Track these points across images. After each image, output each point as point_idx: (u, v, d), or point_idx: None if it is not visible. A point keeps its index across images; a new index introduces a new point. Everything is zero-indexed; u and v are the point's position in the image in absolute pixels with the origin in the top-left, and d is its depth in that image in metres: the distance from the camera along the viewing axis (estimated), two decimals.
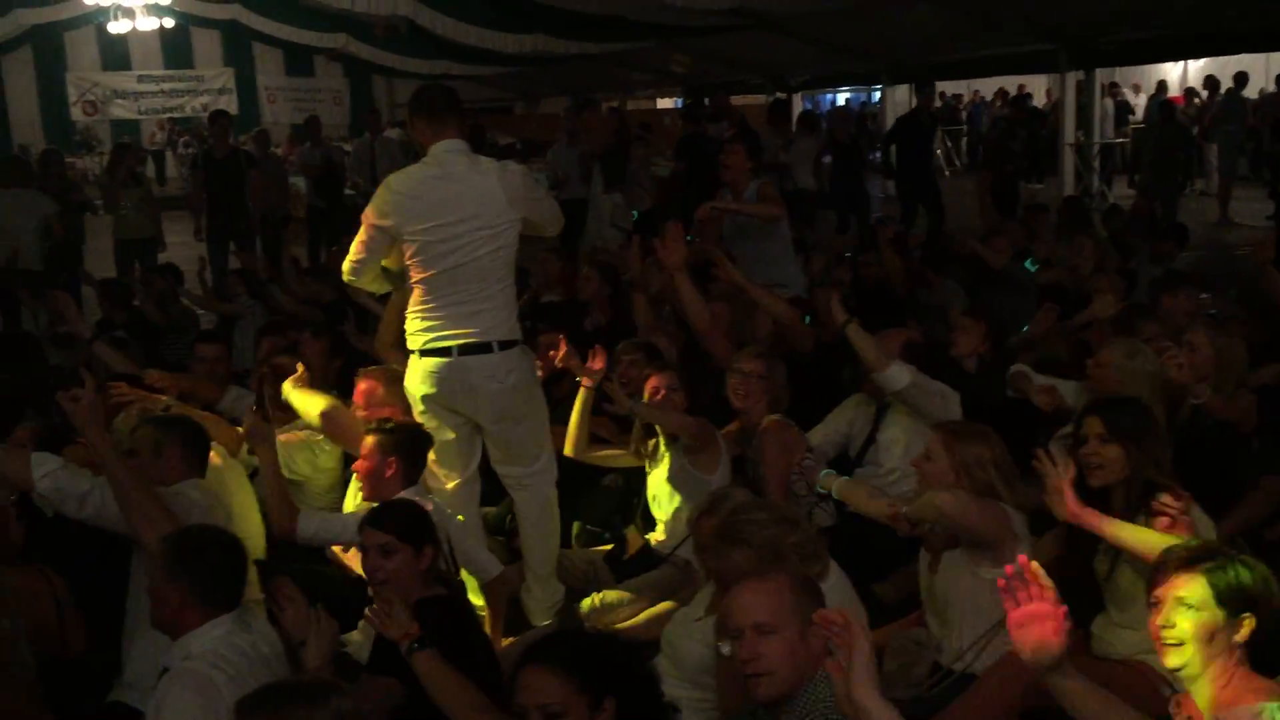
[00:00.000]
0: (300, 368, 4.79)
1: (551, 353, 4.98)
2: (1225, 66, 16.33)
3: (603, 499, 5.09)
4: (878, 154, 14.94)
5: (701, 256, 6.02)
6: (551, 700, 2.36)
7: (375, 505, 3.60)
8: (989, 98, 23.41)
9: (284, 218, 12.35)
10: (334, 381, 5.26)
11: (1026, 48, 13.97)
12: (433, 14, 15.58)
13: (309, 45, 23.58)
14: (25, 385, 5.49)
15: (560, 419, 4.85)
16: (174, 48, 25.46)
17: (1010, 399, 4.75)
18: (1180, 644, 2.43)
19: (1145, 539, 3.04)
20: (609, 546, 4.86)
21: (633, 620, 4.20)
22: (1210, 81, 17.00)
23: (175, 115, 25.01)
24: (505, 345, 4.18)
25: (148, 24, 21.68)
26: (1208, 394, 4.37)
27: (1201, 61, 18.76)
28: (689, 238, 5.78)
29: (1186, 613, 2.42)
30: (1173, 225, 8.79)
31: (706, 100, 12.73)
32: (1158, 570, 2.53)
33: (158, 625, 2.98)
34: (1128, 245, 8.21)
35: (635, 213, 11.26)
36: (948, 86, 23.03)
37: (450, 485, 4.34)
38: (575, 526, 5.02)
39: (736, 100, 14.68)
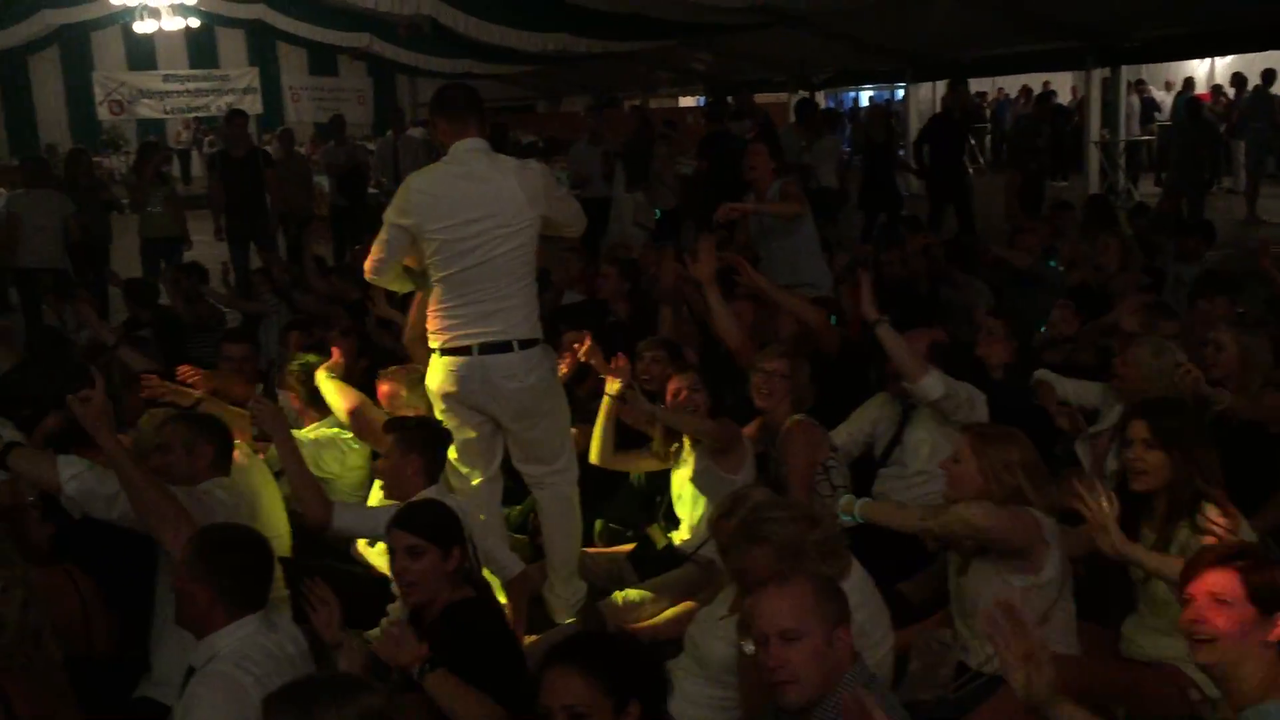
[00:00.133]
0: (336, 353, 4.79)
1: (575, 344, 4.99)
2: (1253, 63, 16.18)
3: (626, 497, 5.09)
4: (901, 152, 14.87)
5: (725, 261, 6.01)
6: (576, 701, 2.35)
7: (403, 505, 3.58)
8: (1013, 95, 23.26)
9: (307, 217, 12.41)
10: (360, 381, 5.29)
11: (1052, 45, 13.86)
12: (456, 13, 15.63)
13: (333, 44, 23.76)
14: (53, 381, 5.53)
15: (583, 418, 4.85)
16: (199, 47, 25.65)
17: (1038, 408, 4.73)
18: (1212, 640, 2.41)
19: None
20: (632, 545, 4.86)
21: (655, 619, 4.20)
22: (1238, 78, 16.85)
23: (201, 114, 25.19)
24: (526, 344, 4.18)
25: (173, 24, 21.84)
26: (1227, 399, 4.34)
27: (1229, 58, 18.60)
28: (720, 234, 5.76)
29: (1219, 608, 2.41)
30: (1199, 223, 8.71)
31: (730, 99, 12.71)
32: (1191, 567, 2.52)
33: (183, 623, 2.98)
34: (1153, 244, 8.15)
35: (658, 211, 11.26)
36: (972, 84, 22.88)
37: (472, 484, 4.35)
38: (598, 524, 5.02)
39: (758, 99, 14.66)
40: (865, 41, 14.91)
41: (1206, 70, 20.79)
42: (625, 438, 4.88)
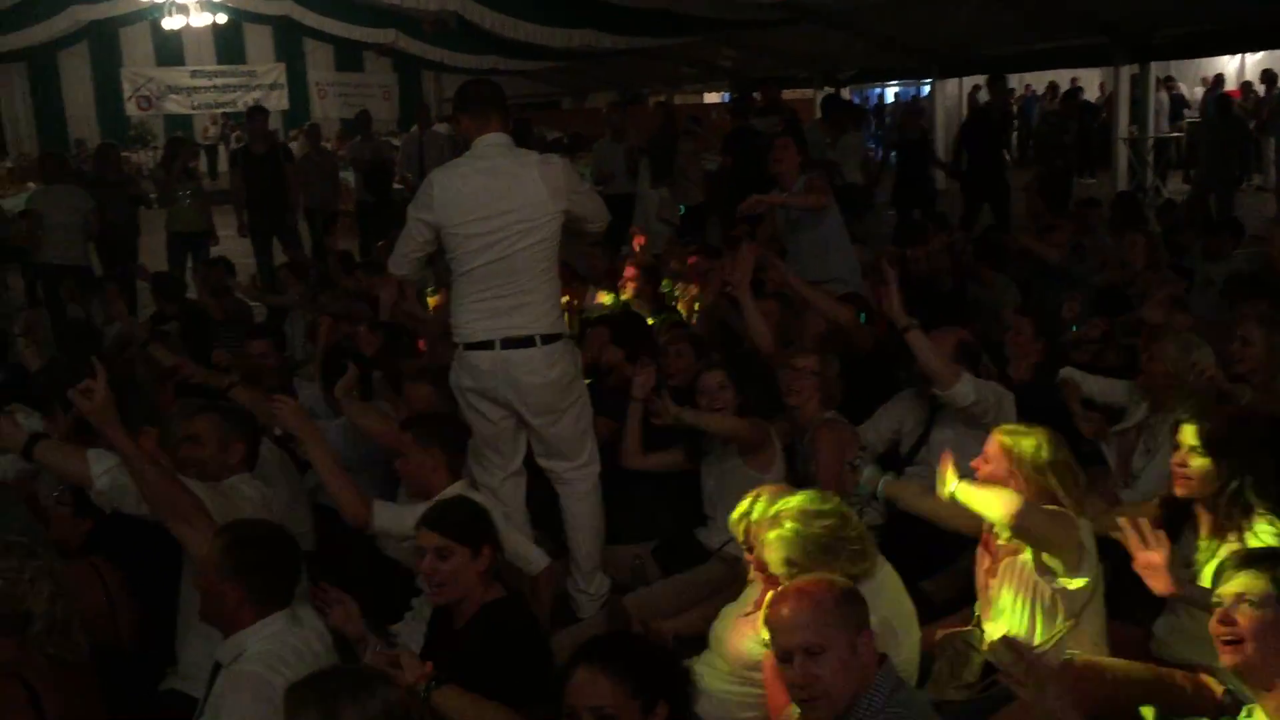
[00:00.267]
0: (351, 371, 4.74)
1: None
2: None
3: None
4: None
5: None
6: (603, 702, 2.34)
7: (433, 503, 3.52)
8: (1040, 92, 23.11)
9: (333, 212, 12.46)
10: (394, 378, 5.31)
11: (1080, 41, 13.76)
12: (481, 9, 15.66)
13: (359, 41, 23.85)
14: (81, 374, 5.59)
15: (608, 412, 4.85)
16: (227, 43, 25.76)
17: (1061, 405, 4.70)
18: (1239, 641, 2.39)
19: None
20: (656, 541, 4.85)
21: (680, 616, 4.18)
22: (1268, 75, 16.70)
23: (228, 110, 25.29)
24: (548, 339, 4.20)
25: (201, 20, 21.98)
26: (1248, 394, 4.30)
27: (1259, 55, 18.43)
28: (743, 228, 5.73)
29: (1247, 609, 2.38)
30: (1228, 221, 8.64)
31: (756, 94, 12.66)
32: (1222, 571, 2.50)
33: (209, 620, 2.98)
34: (1180, 242, 8.09)
35: (682, 207, 11.24)
36: (986, 82, 22.73)
37: (496, 479, 4.36)
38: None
39: (783, 95, 14.60)
40: (891, 38, 14.84)
41: (1236, 67, 20.61)
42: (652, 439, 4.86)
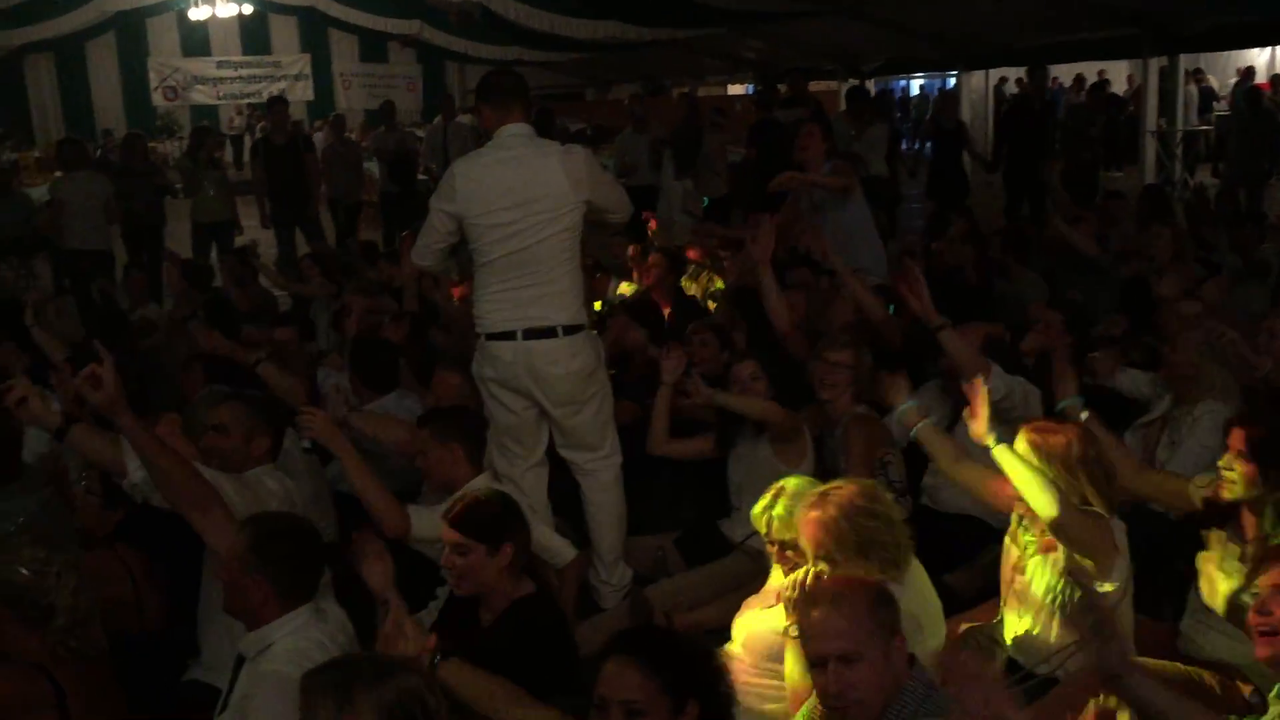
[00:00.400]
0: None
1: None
2: None
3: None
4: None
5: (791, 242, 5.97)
6: (634, 696, 2.32)
7: (459, 500, 3.43)
8: (1067, 84, 22.94)
9: (357, 203, 12.50)
10: (418, 367, 5.33)
11: (1108, 33, 13.65)
12: (506, 0, 15.66)
13: (384, 32, 23.92)
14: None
15: (633, 397, 4.84)
16: (252, 34, 25.87)
17: (1089, 388, 4.66)
18: (1275, 633, 2.36)
19: None
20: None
21: (702, 607, 4.18)
22: None
23: (253, 100, 25.38)
24: (570, 330, 4.20)
25: (227, 10, 22.10)
26: (1269, 365, 4.26)
27: None
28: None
29: None
30: (1255, 214, 8.56)
31: (781, 86, 12.61)
32: (1259, 564, 2.47)
33: (232, 613, 2.96)
34: (1205, 235, 8.02)
35: (706, 199, 11.22)
36: (1026, 73, 22.59)
37: (519, 469, 4.37)
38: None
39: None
40: (917, 29, 14.75)
41: (1267, 59, 20.41)
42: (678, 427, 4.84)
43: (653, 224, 8.74)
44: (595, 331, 4.54)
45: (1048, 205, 9.53)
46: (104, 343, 5.20)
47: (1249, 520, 3.23)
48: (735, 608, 3.60)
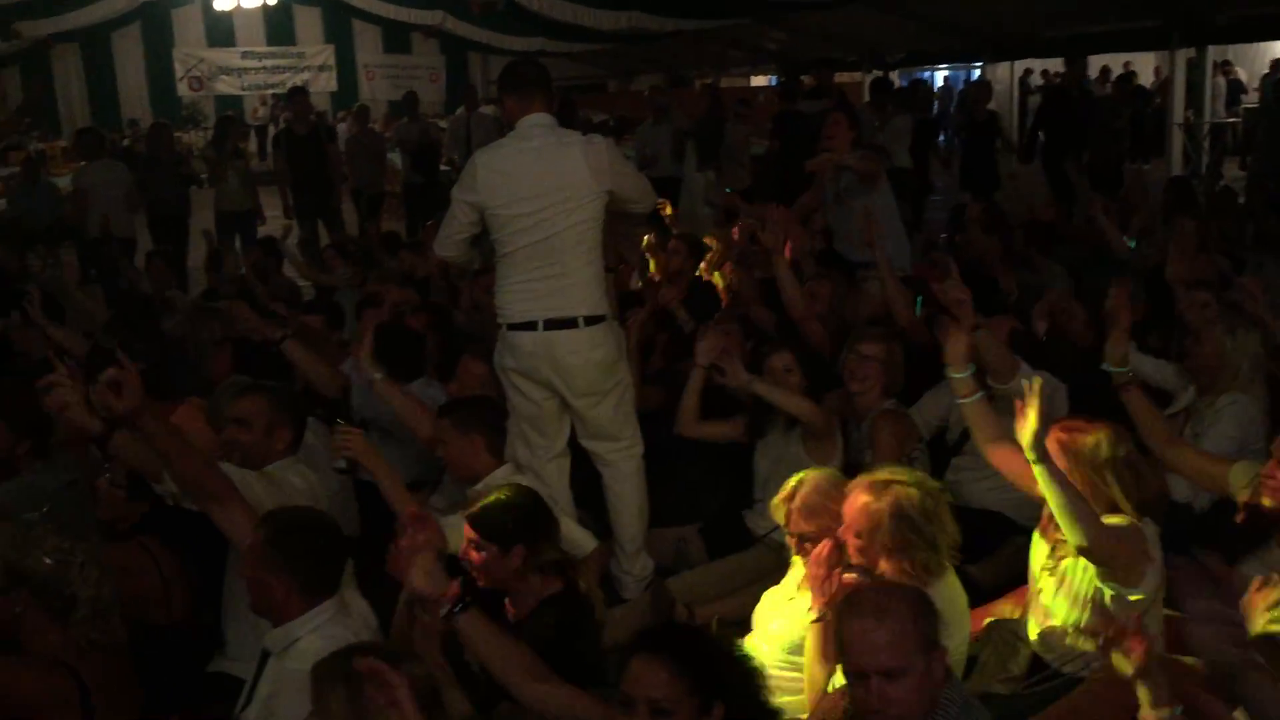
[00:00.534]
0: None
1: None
2: None
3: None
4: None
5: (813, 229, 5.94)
6: (661, 695, 2.31)
7: (485, 500, 3.39)
8: (1093, 76, 22.77)
9: (379, 193, 12.53)
10: (439, 357, 5.35)
11: (1135, 24, 13.53)
12: None
13: (407, 22, 23.96)
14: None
15: (660, 382, 4.83)
16: (276, 25, 25.94)
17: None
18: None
19: None
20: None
21: (723, 599, 4.18)
22: None
23: (277, 91, 25.47)
24: (592, 320, 4.20)
25: (252, 1, 22.14)
26: None
27: None
28: None
29: None
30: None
31: (804, 78, 12.56)
32: None
33: (258, 611, 2.94)
34: (1229, 230, 7.94)
35: (729, 190, 11.21)
36: (1052, 64, 22.45)
37: (540, 460, 4.36)
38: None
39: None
40: (942, 20, 14.67)
41: None
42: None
43: (667, 210, 8.72)
44: (617, 322, 4.53)
45: (1079, 197, 9.48)
46: (129, 327, 5.22)
47: None
48: (756, 600, 3.60)
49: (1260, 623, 2.57)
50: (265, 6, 23.39)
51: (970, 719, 2.45)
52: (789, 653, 3.32)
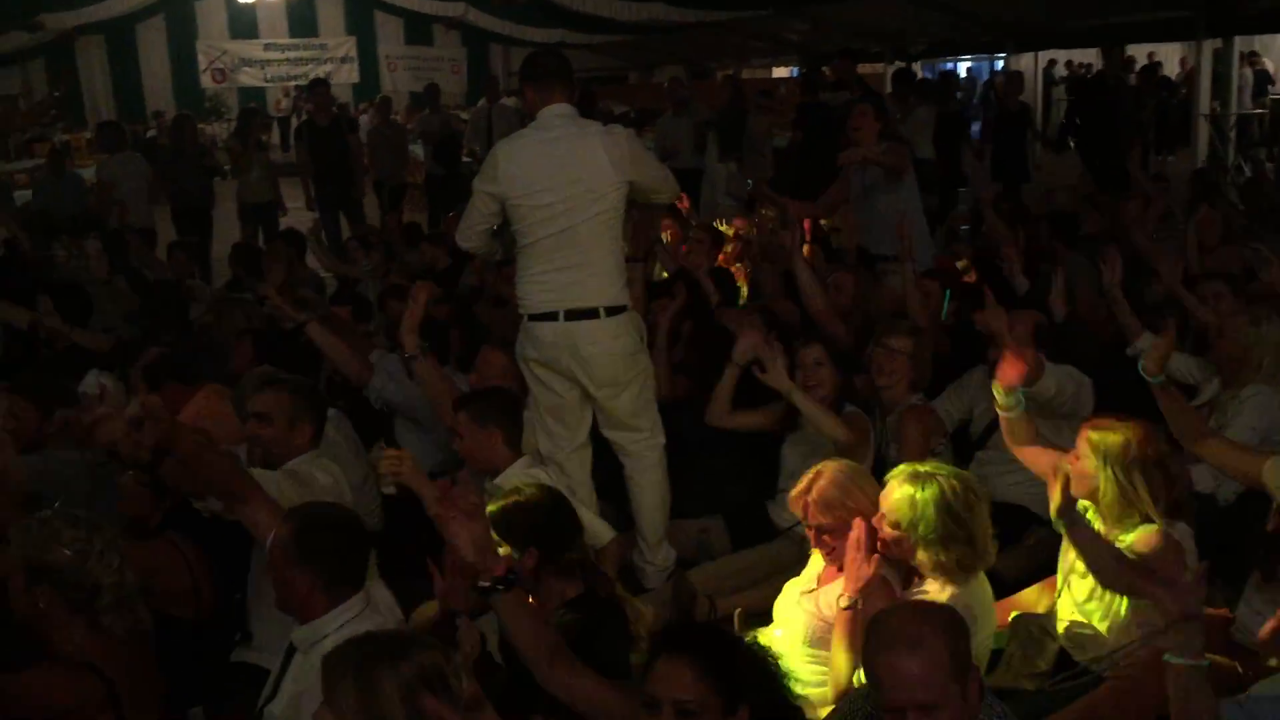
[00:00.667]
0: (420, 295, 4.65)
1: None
2: None
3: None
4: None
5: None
6: (687, 696, 2.28)
7: (508, 501, 3.34)
8: None
9: (401, 184, 12.55)
10: (458, 349, 5.36)
11: (1161, 14, 13.42)
12: None
13: (429, 14, 23.99)
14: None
15: (686, 371, 4.82)
16: (299, 16, 26.03)
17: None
18: None
19: None
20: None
21: (744, 591, 4.17)
22: None
23: (300, 83, 25.55)
24: (613, 311, 4.19)
25: None
26: None
27: None
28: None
29: None
30: None
31: (825, 69, 12.51)
32: None
33: (283, 608, 2.92)
34: (1254, 225, 7.87)
35: (750, 182, 11.18)
36: (1076, 55, 22.32)
37: (563, 451, 4.37)
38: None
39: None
40: (964, 10, 14.58)
41: None
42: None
43: (684, 203, 8.70)
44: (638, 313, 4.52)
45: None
46: (155, 315, 5.25)
47: None
48: (778, 592, 3.60)
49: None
50: None
51: None
52: (809, 645, 3.31)
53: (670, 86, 13.04)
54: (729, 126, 11.61)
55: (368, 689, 2.19)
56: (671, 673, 2.31)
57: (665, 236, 7.72)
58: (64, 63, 23.73)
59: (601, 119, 4.74)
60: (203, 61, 25.52)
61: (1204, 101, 14.08)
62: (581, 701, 2.70)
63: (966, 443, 4.70)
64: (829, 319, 5.36)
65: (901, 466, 3.20)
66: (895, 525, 3.09)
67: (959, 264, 6.37)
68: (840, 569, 3.25)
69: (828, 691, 3.15)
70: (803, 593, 3.45)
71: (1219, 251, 6.32)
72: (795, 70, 21.22)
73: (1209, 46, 13.70)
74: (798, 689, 3.25)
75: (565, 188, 4.09)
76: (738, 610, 3.78)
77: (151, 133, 20.03)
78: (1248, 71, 17.83)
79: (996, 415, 4.50)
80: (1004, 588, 3.75)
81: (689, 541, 4.64)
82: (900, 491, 3.10)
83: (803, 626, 3.35)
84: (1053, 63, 21.58)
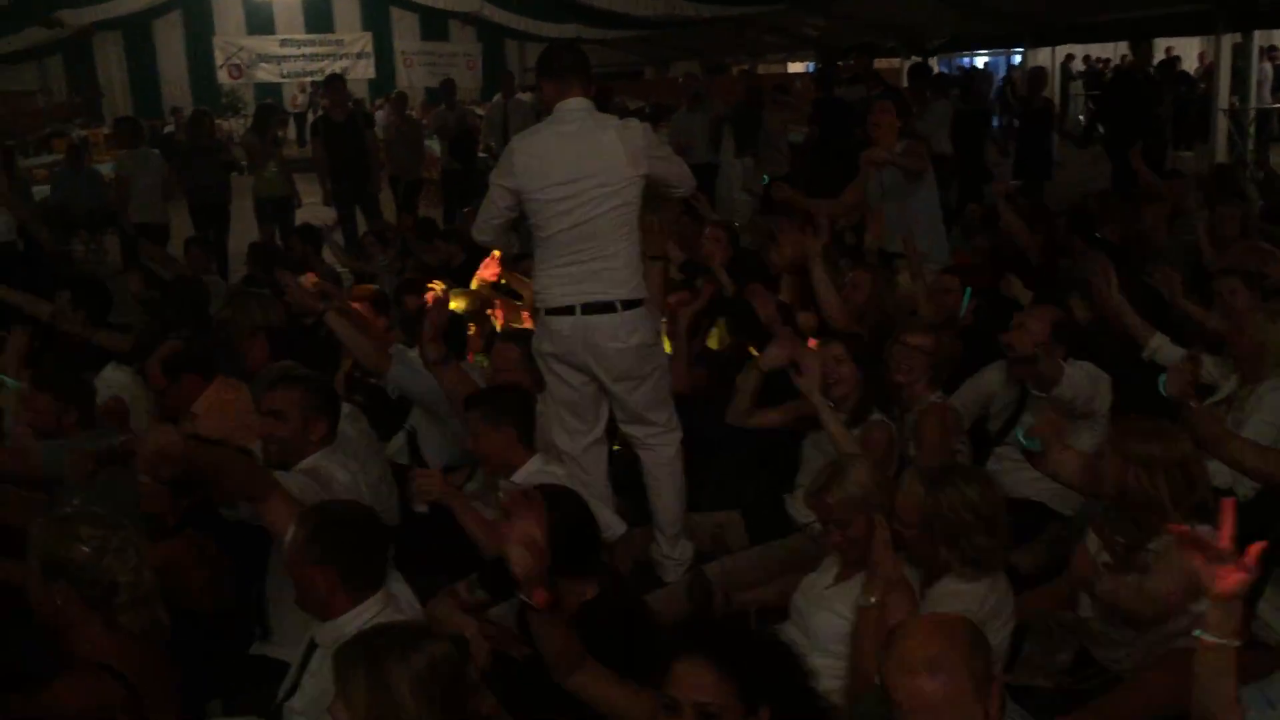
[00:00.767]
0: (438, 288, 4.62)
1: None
2: None
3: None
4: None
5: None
6: (708, 698, 2.24)
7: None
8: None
9: (417, 180, 12.56)
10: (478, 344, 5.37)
11: (1180, 8, 13.33)
12: None
13: (444, 10, 24.02)
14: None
15: (705, 365, 4.81)
16: (315, 12, 26.13)
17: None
18: None
19: None
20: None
21: (762, 587, 4.17)
22: None
23: (316, 79, 25.62)
24: (629, 305, 4.19)
25: None
26: None
27: None
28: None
29: None
30: None
31: (840, 64, 12.47)
32: None
33: (303, 606, 2.90)
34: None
35: (765, 177, 11.17)
36: (1093, 49, 22.22)
37: (579, 446, 4.37)
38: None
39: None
40: (981, 5, 14.51)
41: None
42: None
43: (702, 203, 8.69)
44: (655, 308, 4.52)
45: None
46: (178, 310, 5.28)
47: None
48: (795, 587, 3.59)
49: None
50: None
51: None
52: (829, 641, 3.30)
53: (685, 82, 13.05)
54: (744, 122, 11.59)
55: (378, 681, 2.18)
56: (691, 674, 2.26)
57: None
58: (82, 59, 23.86)
59: (617, 114, 4.73)
60: (219, 57, 25.65)
61: (1223, 96, 14.00)
62: (603, 704, 2.69)
63: (984, 438, 4.68)
64: (847, 325, 5.32)
65: (920, 466, 3.19)
66: (914, 524, 3.08)
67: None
68: (852, 566, 3.24)
69: (845, 689, 3.15)
70: (821, 589, 3.44)
71: (1235, 247, 6.27)
72: (811, 65, 21.17)
73: (1228, 41, 13.62)
74: (817, 684, 3.27)
75: (581, 181, 4.09)
76: (754, 607, 3.78)
77: (169, 128, 20.07)
78: (1267, 66, 17.72)
79: (1014, 410, 4.53)
80: (1021, 582, 3.73)
81: (706, 536, 4.63)
82: (919, 490, 3.09)
83: (822, 623, 3.34)
84: (1070, 57, 21.48)
